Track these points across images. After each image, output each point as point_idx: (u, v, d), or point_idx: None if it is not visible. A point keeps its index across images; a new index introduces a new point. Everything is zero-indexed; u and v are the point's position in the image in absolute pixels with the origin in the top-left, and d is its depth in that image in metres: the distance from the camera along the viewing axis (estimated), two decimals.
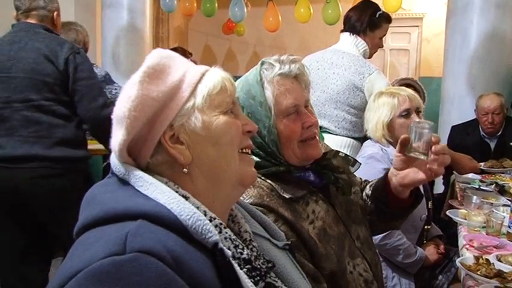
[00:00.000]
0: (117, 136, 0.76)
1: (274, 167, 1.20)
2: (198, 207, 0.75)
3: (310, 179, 1.26)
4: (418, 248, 2.21)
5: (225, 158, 0.83)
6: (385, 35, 2.74)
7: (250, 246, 0.85)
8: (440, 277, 2.24)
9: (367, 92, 2.55)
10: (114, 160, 0.80)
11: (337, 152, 1.34)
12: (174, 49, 4.73)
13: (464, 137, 3.73)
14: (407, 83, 3.10)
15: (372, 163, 2.08)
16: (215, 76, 0.86)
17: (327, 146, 1.47)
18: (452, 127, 3.90)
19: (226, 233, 0.77)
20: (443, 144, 1.15)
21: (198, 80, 0.83)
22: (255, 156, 1.10)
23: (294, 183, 1.22)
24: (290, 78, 1.20)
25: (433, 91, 6.02)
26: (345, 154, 1.37)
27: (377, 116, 2.14)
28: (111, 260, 0.61)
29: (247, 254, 0.78)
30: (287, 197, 1.17)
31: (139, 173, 0.76)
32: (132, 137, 0.76)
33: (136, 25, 5.25)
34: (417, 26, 7.59)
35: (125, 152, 0.77)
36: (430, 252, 2.25)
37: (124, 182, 0.77)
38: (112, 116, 0.79)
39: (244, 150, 0.88)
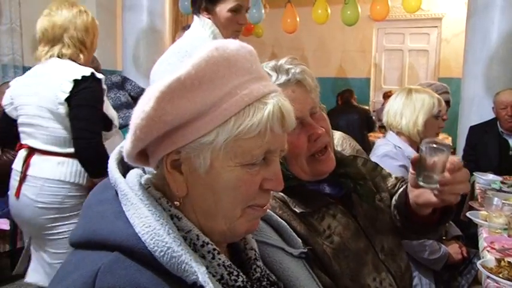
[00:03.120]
0: (127, 143, 0.69)
1: (285, 182, 1.12)
2: (190, 230, 0.70)
3: (325, 192, 1.16)
4: (441, 244, 2.20)
5: (222, 210, 0.70)
6: (236, 6, 1.99)
7: (253, 267, 0.79)
8: (459, 279, 2.23)
9: None
10: (110, 164, 0.76)
11: (356, 157, 1.25)
12: None
13: (483, 135, 3.68)
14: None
15: (387, 161, 2.09)
16: (261, 114, 0.66)
17: (349, 147, 1.38)
18: (471, 127, 3.86)
19: (220, 259, 0.71)
20: (461, 172, 0.99)
21: (236, 112, 0.66)
22: None
23: (309, 196, 1.13)
24: (290, 86, 1.08)
25: (452, 92, 5.95)
26: (364, 158, 1.27)
27: (416, 112, 2.17)
28: None
29: (242, 281, 0.72)
30: (298, 211, 1.09)
31: (124, 189, 0.70)
32: (138, 150, 0.69)
33: (155, 27, 5.31)
34: (436, 27, 7.53)
35: (132, 160, 0.71)
36: (455, 250, 2.24)
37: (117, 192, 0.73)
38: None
39: (254, 207, 0.73)
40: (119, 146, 0.79)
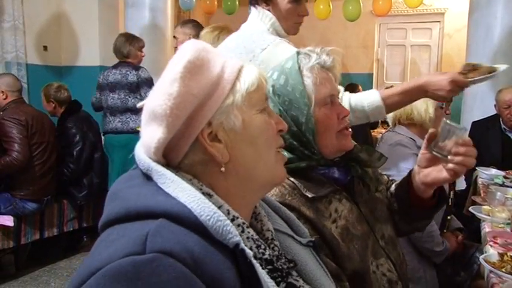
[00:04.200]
0: (156, 133, 0.74)
1: (304, 161, 1.19)
2: (220, 206, 0.75)
3: (334, 176, 1.22)
4: (443, 239, 2.22)
5: (262, 158, 0.82)
6: None
7: (272, 246, 0.84)
8: (462, 273, 2.23)
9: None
10: (139, 153, 0.79)
11: (363, 146, 1.31)
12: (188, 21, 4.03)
13: (485, 131, 3.68)
14: None
15: (399, 149, 2.15)
16: (252, 72, 0.83)
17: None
18: (473, 123, 3.86)
19: (249, 232, 0.76)
20: (472, 148, 1.13)
21: (236, 76, 0.81)
22: (286, 150, 1.14)
23: (318, 181, 1.19)
24: (326, 67, 1.20)
25: None
26: (372, 149, 1.32)
27: (426, 101, 2.24)
28: (131, 260, 0.61)
29: (269, 254, 0.77)
30: (310, 196, 1.15)
31: (161, 170, 0.74)
32: (172, 136, 0.74)
33: (157, 24, 5.30)
34: (439, 22, 7.50)
35: (162, 150, 0.75)
36: (449, 241, 2.25)
37: (148, 177, 0.76)
38: (143, 111, 0.78)
39: (278, 150, 0.87)
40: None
